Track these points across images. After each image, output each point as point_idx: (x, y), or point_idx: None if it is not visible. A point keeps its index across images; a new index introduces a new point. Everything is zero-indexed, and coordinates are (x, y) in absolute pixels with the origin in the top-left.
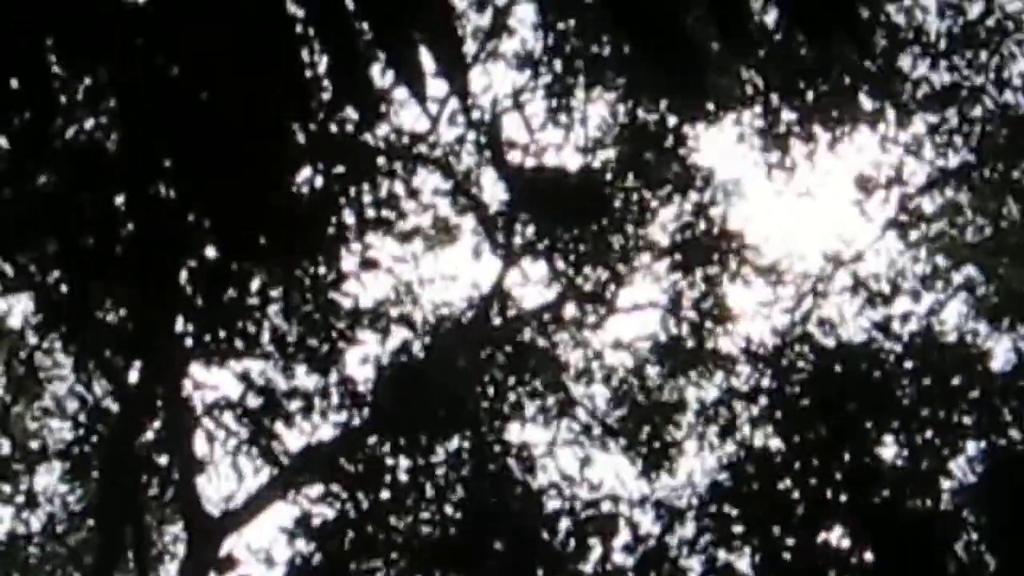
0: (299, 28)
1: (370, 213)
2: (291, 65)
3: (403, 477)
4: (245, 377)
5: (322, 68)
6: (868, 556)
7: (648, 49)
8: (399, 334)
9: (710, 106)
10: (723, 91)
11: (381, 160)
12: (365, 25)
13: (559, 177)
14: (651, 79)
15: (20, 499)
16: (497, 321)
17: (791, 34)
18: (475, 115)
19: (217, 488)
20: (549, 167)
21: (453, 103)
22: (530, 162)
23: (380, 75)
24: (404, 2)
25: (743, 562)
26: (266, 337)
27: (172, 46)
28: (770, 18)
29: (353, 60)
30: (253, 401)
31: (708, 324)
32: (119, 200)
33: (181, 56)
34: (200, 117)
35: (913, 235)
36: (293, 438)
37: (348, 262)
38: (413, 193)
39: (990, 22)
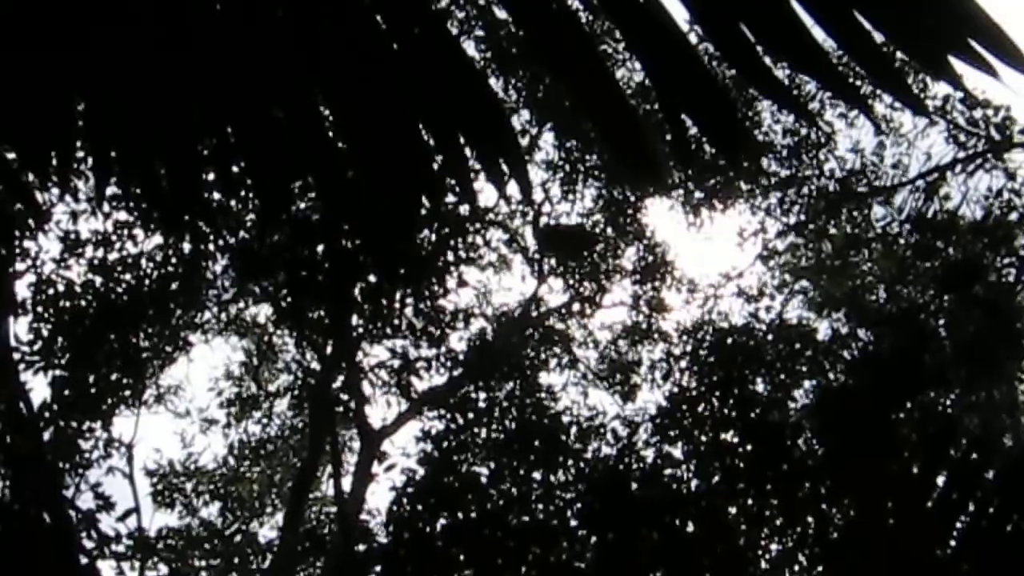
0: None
1: (463, 254)
2: (425, 161)
3: (481, 406)
4: (392, 350)
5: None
6: (749, 447)
7: (624, 157)
8: (479, 324)
9: (662, 189)
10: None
11: (468, 223)
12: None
13: (569, 231)
14: (622, 175)
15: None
16: (534, 314)
17: (704, 146)
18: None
19: (378, 413)
20: (564, 225)
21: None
22: (552, 222)
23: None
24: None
25: (676, 451)
26: (404, 325)
27: (354, 159)
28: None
29: (457, 152)
30: (396, 363)
31: (654, 314)
32: (320, 249)
33: (361, 163)
34: (366, 197)
35: (771, 263)
36: (420, 384)
37: (450, 283)
38: (487, 243)
39: (813, 136)
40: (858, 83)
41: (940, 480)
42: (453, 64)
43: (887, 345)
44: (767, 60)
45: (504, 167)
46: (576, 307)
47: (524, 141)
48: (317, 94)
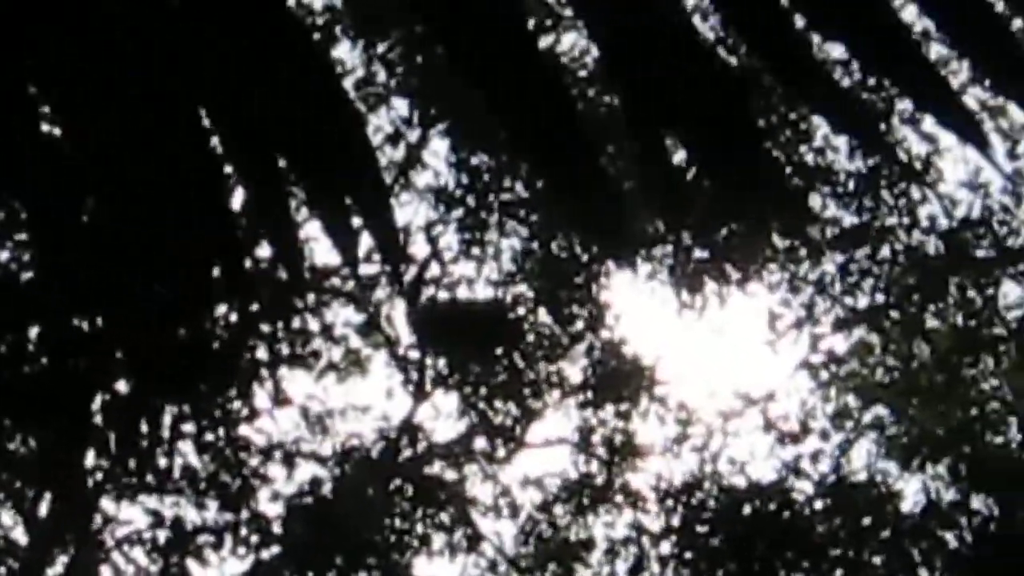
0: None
1: (283, 349)
2: (215, 203)
3: None
4: (154, 512)
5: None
6: None
7: (562, 190)
8: (309, 469)
9: (628, 249)
10: (635, 230)
11: (295, 294)
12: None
13: (470, 309)
14: (565, 219)
15: None
16: (407, 453)
17: (702, 179)
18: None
19: None
20: (462, 301)
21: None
22: (442, 295)
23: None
24: (333, 164)
25: None
26: (178, 472)
27: (88, 180)
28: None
29: (274, 195)
30: (163, 536)
31: (618, 461)
32: (32, 333)
33: (98, 190)
34: (116, 250)
35: (823, 375)
36: (203, 574)
37: (261, 397)
38: (326, 328)
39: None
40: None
41: None
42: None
43: None
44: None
45: (353, 203)
46: (481, 445)
47: (393, 153)
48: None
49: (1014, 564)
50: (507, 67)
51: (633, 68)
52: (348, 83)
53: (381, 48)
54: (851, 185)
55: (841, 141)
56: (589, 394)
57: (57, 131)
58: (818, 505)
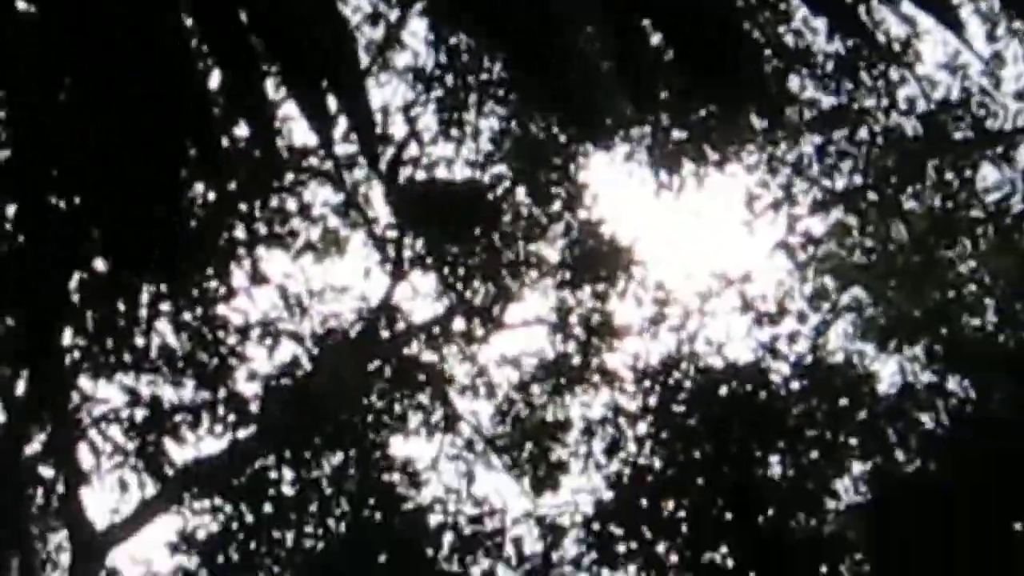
0: (194, 42)
1: (261, 228)
2: (187, 80)
3: (288, 492)
4: (131, 390)
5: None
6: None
7: (532, 73)
8: (288, 349)
9: (603, 131)
10: (612, 110)
11: (272, 174)
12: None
13: (448, 189)
14: (541, 100)
15: None
16: (385, 334)
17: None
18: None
19: (102, 501)
20: (440, 181)
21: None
22: (420, 175)
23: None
24: (310, 42)
25: None
26: (155, 351)
27: (65, 60)
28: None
29: (249, 76)
30: (140, 415)
31: (595, 341)
32: (8, 211)
33: (73, 69)
34: (92, 128)
35: (801, 256)
36: (179, 452)
37: (238, 277)
38: (304, 208)
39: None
40: None
41: None
42: None
43: (1000, 404)
44: None
45: (329, 84)
46: (459, 325)
47: (372, 33)
48: None
49: (989, 446)
50: None
51: None
52: None
53: None
54: (830, 67)
55: (820, 23)
56: (567, 274)
57: (33, 8)
58: (795, 386)
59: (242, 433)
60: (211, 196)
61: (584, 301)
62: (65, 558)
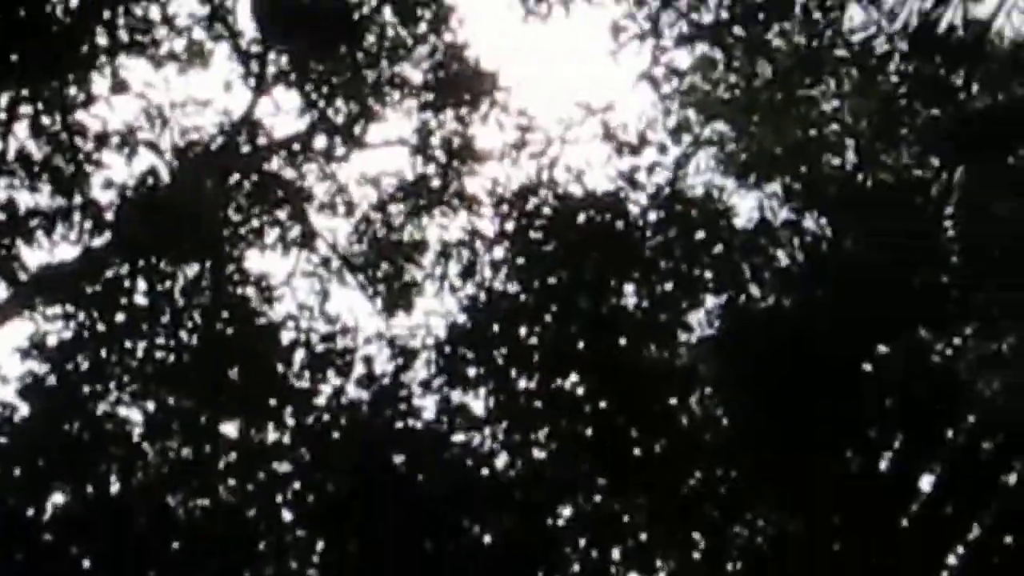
0: None
1: (123, 35)
2: None
3: (141, 301)
4: None
5: None
6: (603, 404)
7: None
8: (147, 159)
9: None
10: None
11: None
12: None
13: (314, 5)
14: None
15: None
16: (246, 149)
17: None
18: None
19: None
20: None
21: None
22: None
23: None
24: None
25: (478, 404)
26: (12, 154)
27: None
28: None
29: None
30: None
31: (456, 164)
32: None
33: None
34: None
35: (665, 88)
36: (33, 257)
37: (99, 84)
38: (168, 18)
39: None
40: None
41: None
42: None
43: (855, 243)
44: None
45: None
46: (320, 143)
47: None
48: None
49: (841, 286)
50: None
51: None
52: None
53: None
54: None
55: None
56: (430, 97)
57: None
58: (652, 217)
59: (97, 241)
60: (73, 1)
61: (446, 124)
62: None
